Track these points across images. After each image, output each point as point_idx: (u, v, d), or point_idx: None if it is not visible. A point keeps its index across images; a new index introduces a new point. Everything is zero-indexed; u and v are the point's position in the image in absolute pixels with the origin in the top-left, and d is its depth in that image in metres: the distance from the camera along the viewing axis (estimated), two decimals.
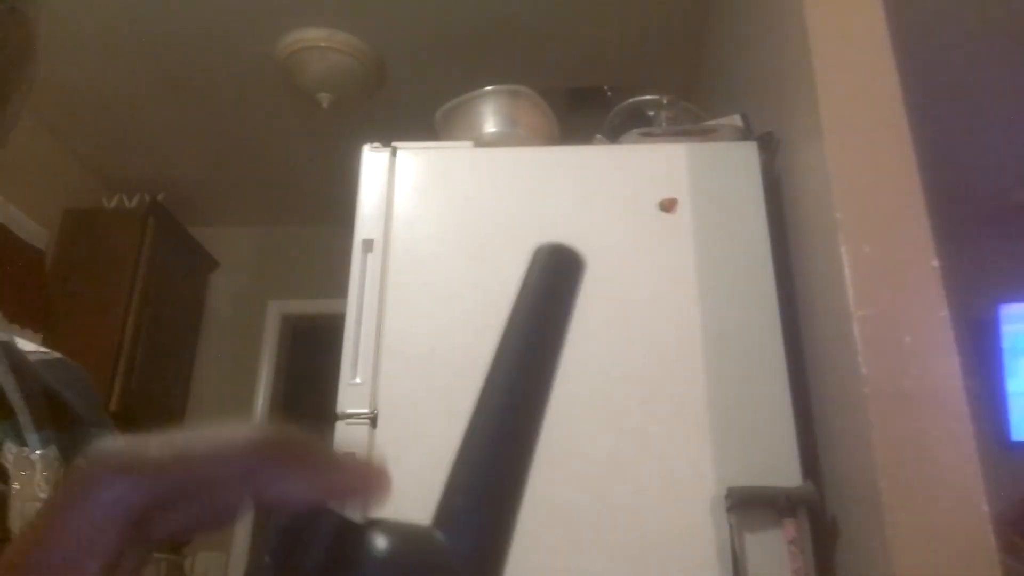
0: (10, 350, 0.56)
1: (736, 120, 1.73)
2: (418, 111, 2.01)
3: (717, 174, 1.56)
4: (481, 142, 1.75)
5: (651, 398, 1.39)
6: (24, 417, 0.51)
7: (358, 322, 1.48)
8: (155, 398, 3.17)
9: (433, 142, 1.76)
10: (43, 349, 0.61)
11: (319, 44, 2.55)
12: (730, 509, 1.28)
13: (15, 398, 0.52)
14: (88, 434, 0.56)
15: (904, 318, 1.20)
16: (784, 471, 1.32)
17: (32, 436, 0.51)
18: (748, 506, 1.29)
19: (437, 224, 1.56)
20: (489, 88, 1.82)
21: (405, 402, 1.41)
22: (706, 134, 1.67)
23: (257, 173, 3.46)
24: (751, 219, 1.52)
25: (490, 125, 1.80)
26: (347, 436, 1.40)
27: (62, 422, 0.54)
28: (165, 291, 3.24)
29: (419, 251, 1.54)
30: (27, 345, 0.59)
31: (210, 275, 3.75)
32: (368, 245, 1.54)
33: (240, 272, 3.80)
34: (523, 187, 1.58)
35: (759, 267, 1.48)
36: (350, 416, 1.41)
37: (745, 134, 1.69)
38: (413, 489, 1.34)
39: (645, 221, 1.52)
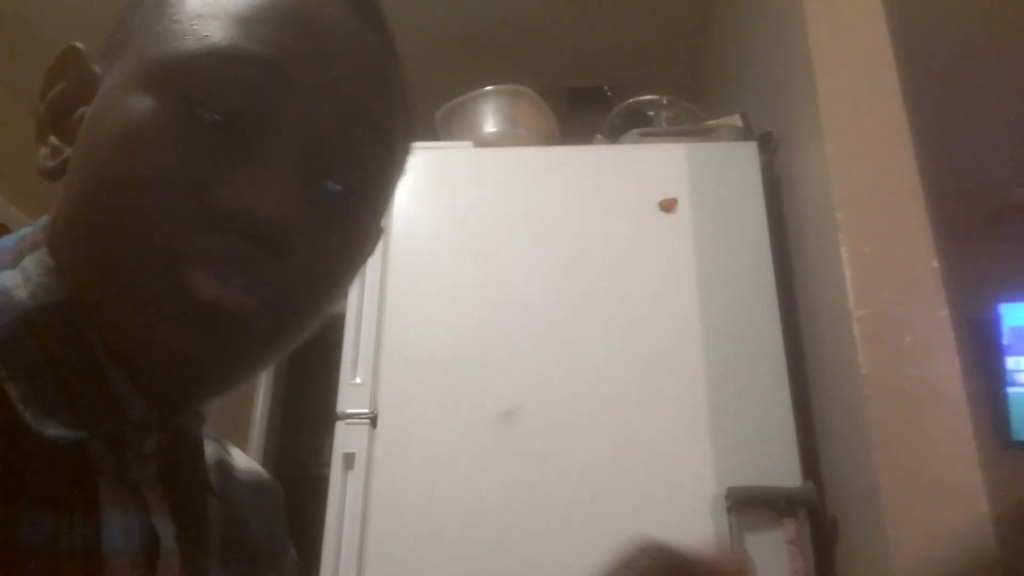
0: (225, 472, 0.51)
1: (736, 120, 1.73)
2: (418, 111, 2.01)
3: (717, 174, 1.56)
4: (481, 142, 1.75)
5: (651, 398, 1.39)
6: (213, 555, 0.46)
7: (358, 322, 1.48)
8: None
9: (433, 142, 1.76)
10: (253, 465, 0.57)
11: None
12: (730, 509, 1.28)
13: (216, 532, 0.46)
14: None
15: (904, 318, 1.20)
16: (784, 471, 1.32)
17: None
18: (748, 506, 1.29)
19: (437, 224, 1.56)
20: (489, 88, 1.82)
21: (405, 402, 1.41)
22: (706, 134, 1.67)
23: None
24: (751, 219, 1.52)
25: (490, 125, 1.80)
26: (347, 436, 1.40)
27: (243, 556, 0.49)
28: None
29: (419, 251, 1.54)
30: (238, 457, 0.55)
31: None
32: None
33: None
34: (523, 187, 1.58)
35: (759, 267, 1.48)
36: (350, 416, 1.41)
37: (745, 134, 1.69)
38: (413, 489, 1.35)
39: (645, 221, 1.52)
